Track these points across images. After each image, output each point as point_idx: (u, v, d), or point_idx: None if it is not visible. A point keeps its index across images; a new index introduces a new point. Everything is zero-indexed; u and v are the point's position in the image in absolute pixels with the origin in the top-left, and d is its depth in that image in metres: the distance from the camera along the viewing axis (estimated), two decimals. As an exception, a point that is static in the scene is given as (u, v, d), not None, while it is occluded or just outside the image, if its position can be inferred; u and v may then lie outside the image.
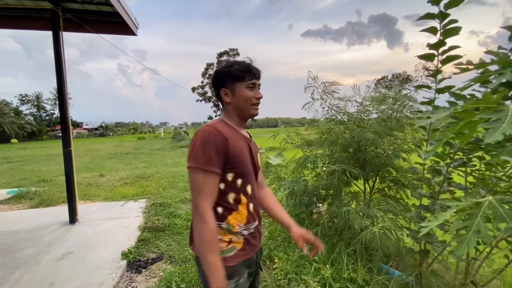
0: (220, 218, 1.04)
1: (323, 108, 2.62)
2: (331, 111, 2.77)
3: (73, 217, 3.81)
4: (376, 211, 2.15)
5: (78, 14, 3.90)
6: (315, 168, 2.63)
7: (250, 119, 1.16)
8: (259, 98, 1.10)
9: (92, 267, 2.59)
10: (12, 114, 42.92)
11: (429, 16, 1.55)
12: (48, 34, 3.65)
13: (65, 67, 3.71)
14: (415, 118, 2.51)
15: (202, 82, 35.78)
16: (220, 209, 1.04)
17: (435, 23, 1.55)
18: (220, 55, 34.00)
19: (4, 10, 3.85)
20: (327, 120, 2.72)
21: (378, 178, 2.71)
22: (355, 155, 2.57)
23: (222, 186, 1.03)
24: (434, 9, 1.56)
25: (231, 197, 1.05)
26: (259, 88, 1.12)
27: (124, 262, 2.66)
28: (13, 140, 36.43)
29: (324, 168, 2.19)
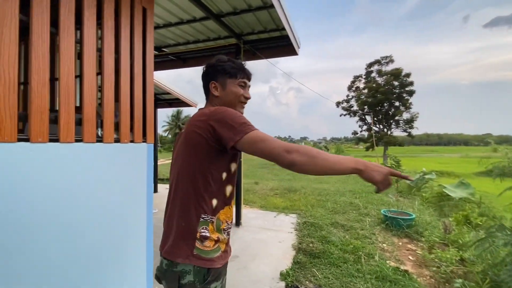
0: (213, 212, 0.97)
1: None
2: None
3: (238, 220, 4.31)
4: None
5: (253, 44, 4.55)
6: None
7: None
8: (247, 98, 1.11)
9: (254, 278, 2.67)
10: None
11: None
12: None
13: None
14: None
15: (347, 96, 34.39)
16: (214, 202, 0.97)
17: None
18: (370, 65, 31.40)
19: (204, 51, 5.08)
20: None
21: None
22: None
23: (224, 175, 0.98)
24: None
25: (228, 189, 1.01)
26: (248, 90, 1.12)
27: (283, 284, 2.56)
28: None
29: None
